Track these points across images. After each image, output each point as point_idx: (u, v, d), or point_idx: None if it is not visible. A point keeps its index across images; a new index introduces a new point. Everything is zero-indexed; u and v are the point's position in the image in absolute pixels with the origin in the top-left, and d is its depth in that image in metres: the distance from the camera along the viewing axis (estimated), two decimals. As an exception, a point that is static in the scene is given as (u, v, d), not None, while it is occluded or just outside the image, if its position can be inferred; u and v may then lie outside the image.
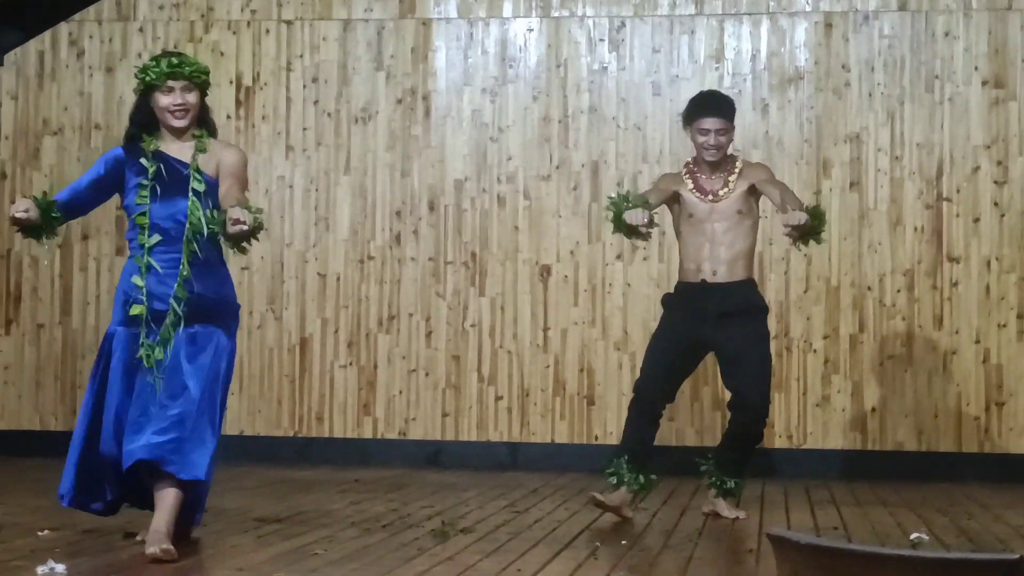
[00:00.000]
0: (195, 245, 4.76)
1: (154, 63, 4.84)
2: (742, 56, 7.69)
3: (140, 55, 8.00)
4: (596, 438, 7.63)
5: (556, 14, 7.82)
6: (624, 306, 7.67)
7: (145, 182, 4.78)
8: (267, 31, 7.97)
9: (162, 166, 4.81)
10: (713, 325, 5.65)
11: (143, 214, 4.77)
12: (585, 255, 7.72)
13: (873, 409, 7.49)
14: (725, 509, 5.77)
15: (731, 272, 5.68)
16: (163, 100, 4.82)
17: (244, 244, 4.62)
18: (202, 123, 4.91)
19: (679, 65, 7.73)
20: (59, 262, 8.02)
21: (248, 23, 7.99)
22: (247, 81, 7.97)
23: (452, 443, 7.75)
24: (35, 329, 8.02)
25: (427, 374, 7.77)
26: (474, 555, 4.66)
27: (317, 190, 7.90)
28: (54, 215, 4.76)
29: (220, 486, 5.72)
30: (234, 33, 7.97)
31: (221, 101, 7.81)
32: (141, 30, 8.04)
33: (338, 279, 7.87)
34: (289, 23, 7.97)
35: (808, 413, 7.50)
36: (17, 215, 4.66)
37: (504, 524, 5.44)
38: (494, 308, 7.76)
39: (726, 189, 5.70)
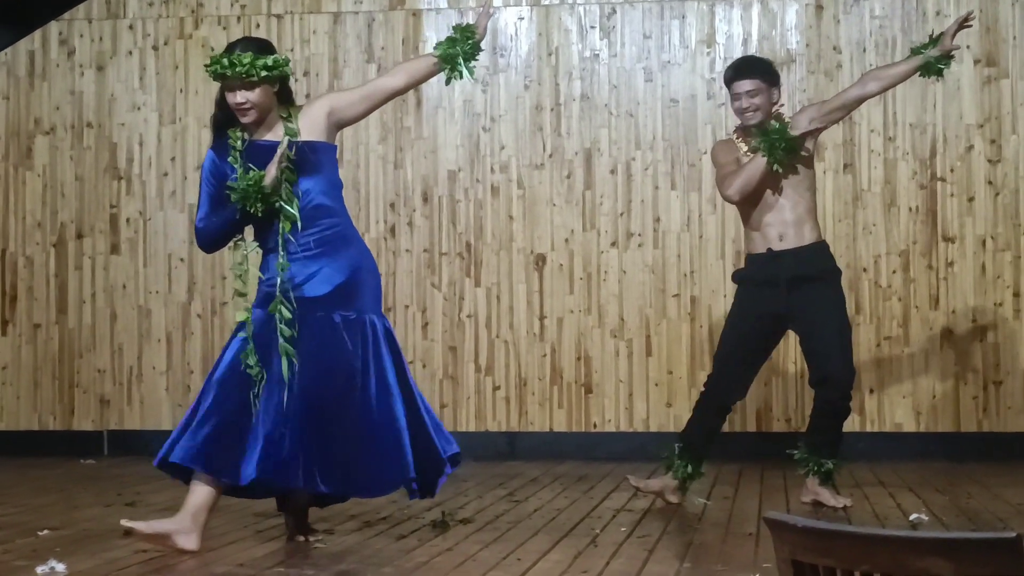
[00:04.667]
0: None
1: (212, 61, 4.72)
2: (733, 40, 7.68)
3: (130, 52, 7.98)
4: (594, 426, 7.63)
5: (546, 2, 7.80)
6: (619, 293, 7.67)
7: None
8: (257, 25, 7.95)
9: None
10: (785, 294, 5.43)
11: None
12: (579, 243, 7.71)
13: (871, 390, 7.49)
14: (829, 497, 5.52)
15: (798, 235, 5.47)
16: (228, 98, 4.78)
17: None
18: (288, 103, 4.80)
19: (670, 51, 7.72)
20: (53, 261, 8.01)
21: (238, 18, 7.97)
22: (238, 76, 7.95)
23: (450, 434, 7.73)
24: (31, 329, 8.01)
25: (424, 365, 7.77)
26: (474, 545, 4.67)
27: (310, 184, 7.88)
28: None
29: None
30: (224, 28, 7.95)
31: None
32: (131, 27, 8.02)
33: (333, 272, 7.86)
34: (279, 17, 7.95)
35: (806, 396, 7.47)
36: None
37: (503, 514, 5.45)
38: (490, 298, 7.76)
39: None
